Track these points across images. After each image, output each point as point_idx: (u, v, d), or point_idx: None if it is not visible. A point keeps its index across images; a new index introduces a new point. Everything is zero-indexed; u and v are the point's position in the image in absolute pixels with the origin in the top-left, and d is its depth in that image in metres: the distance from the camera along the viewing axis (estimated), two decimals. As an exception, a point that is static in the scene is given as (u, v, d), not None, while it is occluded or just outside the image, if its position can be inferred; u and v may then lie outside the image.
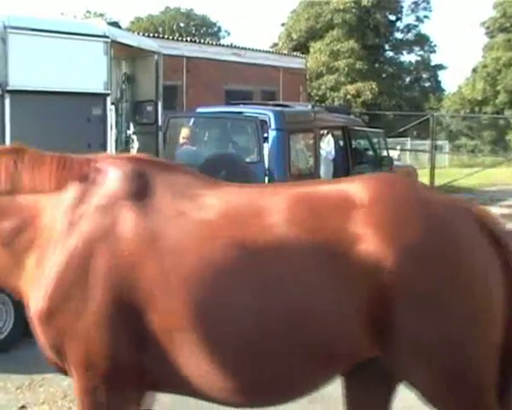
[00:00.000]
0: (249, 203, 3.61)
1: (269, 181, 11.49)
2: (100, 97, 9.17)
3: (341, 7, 54.14)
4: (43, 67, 8.66)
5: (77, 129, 8.97)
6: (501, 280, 3.51)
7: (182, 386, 3.63)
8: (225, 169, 10.60)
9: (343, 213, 3.43)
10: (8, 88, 8.33)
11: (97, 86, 9.12)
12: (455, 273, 3.41)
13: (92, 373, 3.52)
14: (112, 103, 9.60)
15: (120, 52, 10.20)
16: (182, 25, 66.10)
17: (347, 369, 3.64)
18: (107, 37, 9.26)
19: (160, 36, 30.63)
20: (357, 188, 3.56)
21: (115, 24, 11.21)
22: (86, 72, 9.05)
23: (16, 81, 8.37)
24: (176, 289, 3.39)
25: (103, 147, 9.17)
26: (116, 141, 9.96)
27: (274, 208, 3.50)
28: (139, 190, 3.60)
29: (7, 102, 8.34)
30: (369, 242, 3.35)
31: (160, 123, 10.75)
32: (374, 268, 3.32)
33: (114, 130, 9.72)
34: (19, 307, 8.19)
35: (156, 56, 10.87)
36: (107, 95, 9.24)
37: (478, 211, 3.68)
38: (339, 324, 3.40)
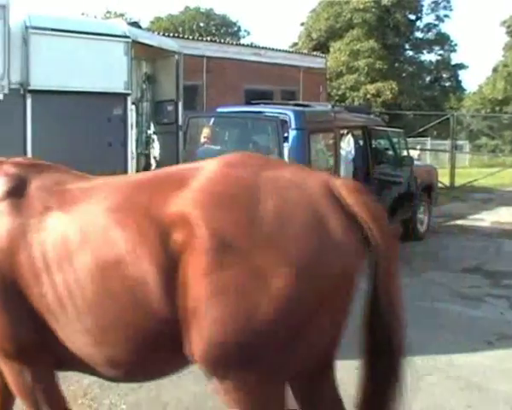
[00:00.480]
0: (100, 194, 3.89)
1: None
2: (120, 97, 9.18)
3: (361, 6, 54.15)
4: (64, 67, 8.69)
5: (98, 128, 9.00)
6: (350, 260, 3.46)
7: (79, 365, 3.96)
8: None
9: (170, 194, 3.57)
10: (30, 88, 8.37)
11: (118, 86, 9.14)
12: (263, 260, 3.33)
13: (11, 358, 3.94)
14: (132, 103, 9.61)
15: (141, 52, 10.22)
16: (202, 24, 66.25)
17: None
18: (128, 37, 9.28)
19: (180, 36, 30.68)
20: (202, 168, 3.69)
21: (135, 24, 11.22)
22: (107, 72, 9.07)
23: (37, 81, 8.41)
24: (42, 275, 3.76)
25: (124, 146, 9.20)
26: (137, 140, 9.99)
27: (115, 196, 3.81)
28: (16, 192, 4.02)
29: (28, 101, 8.38)
30: (182, 222, 3.43)
31: (180, 123, 10.76)
32: (183, 250, 3.41)
33: (135, 129, 9.74)
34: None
35: (177, 56, 10.87)
36: (128, 95, 9.25)
37: (338, 187, 3.55)
38: (156, 306, 3.51)
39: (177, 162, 10.63)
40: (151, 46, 10.34)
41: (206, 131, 12.79)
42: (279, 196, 3.44)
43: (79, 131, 8.83)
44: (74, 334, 3.75)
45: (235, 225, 3.38)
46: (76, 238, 3.73)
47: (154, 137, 11.15)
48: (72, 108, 8.74)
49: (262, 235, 3.36)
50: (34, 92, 8.41)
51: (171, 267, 3.44)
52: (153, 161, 11.10)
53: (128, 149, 9.27)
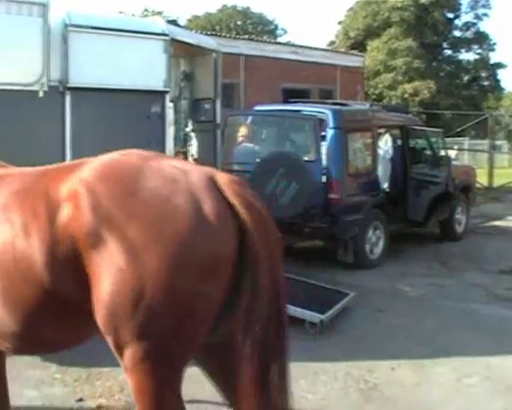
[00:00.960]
0: (11, 180, 4.13)
1: (327, 180, 11.48)
2: (159, 95, 9.20)
3: (399, 5, 53.80)
4: (102, 65, 8.73)
5: (136, 126, 9.03)
6: (224, 246, 3.59)
7: None
8: (283, 167, 10.62)
9: (64, 178, 3.82)
10: (69, 85, 8.41)
11: (156, 84, 9.15)
12: (146, 236, 3.49)
13: None
14: (171, 101, 9.63)
15: (179, 50, 10.23)
16: (238, 23, 66.27)
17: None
18: (167, 35, 9.28)
19: (218, 34, 30.71)
20: (98, 158, 3.93)
21: (174, 22, 11.24)
22: (146, 69, 9.10)
23: (76, 78, 8.45)
24: None
25: (162, 144, 9.21)
26: (175, 138, 10.00)
27: (21, 181, 4.04)
28: None
29: (67, 98, 8.43)
30: (69, 199, 3.67)
31: (218, 121, 10.76)
32: (69, 224, 3.61)
33: (173, 127, 9.76)
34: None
35: (215, 54, 10.87)
36: (167, 92, 9.27)
37: (219, 179, 3.72)
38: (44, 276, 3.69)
39: (215, 160, 10.67)
40: (189, 44, 10.35)
41: (243, 130, 12.85)
42: (160, 179, 3.63)
43: (118, 129, 8.87)
44: None
45: (112, 198, 3.57)
46: None
47: (192, 134, 11.16)
48: (110, 105, 8.79)
49: (137, 210, 3.54)
50: (73, 90, 8.45)
51: (57, 242, 3.64)
52: (190, 159, 11.12)
53: (166, 147, 9.27)
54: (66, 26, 8.38)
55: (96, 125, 8.72)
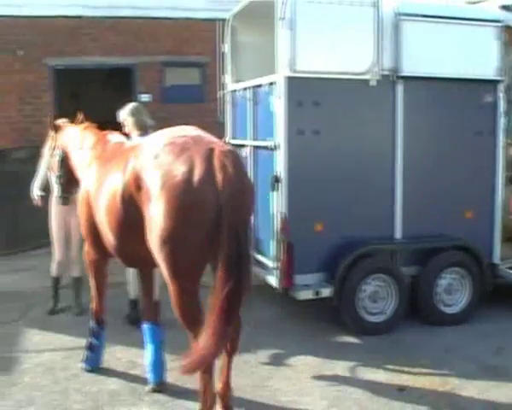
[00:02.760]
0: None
1: None
2: (491, 84, 8.95)
3: None
4: (433, 53, 8.66)
5: (467, 116, 8.90)
6: (209, 199, 4.97)
7: None
8: None
9: (133, 152, 5.77)
10: (400, 74, 8.45)
11: (489, 72, 8.90)
12: (163, 185, 5.11)
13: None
14: (505, 90, 9.30)
15: (510, 36, 9.85)
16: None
17: None
18: (500, 21, 9.00)
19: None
20: (156, 134, 5.84)
21: (506, 7, 10.85)
22: (477, 57, 8.87)
23: (408, 68, 8.47)
24: None
25: (493, 135, 9.02)
26: (506, 129, 9.67)
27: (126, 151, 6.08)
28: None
29: (399, 88, 8.48)
30: (133, 162, 5.58)
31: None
32: (128, 175, 5.58)
33: (504, 118, 9.42)
34: (402, 286, 8.40)
35: (549, 42, 10.36)
36: (499, 81, 9.00)
37: (219, 152, 5.08)
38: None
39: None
40: (523, 30, 9.93)
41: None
42: (175, 149, 5.21)
43: (447, 119, 8.81)
44: None
45: (145, 163, 5.37)
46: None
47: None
48: (441, 94, 8.72)
49: (155, 170, 5.22)
50: (404, 79, 8.48)
51: (125, 184, 5.59)
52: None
53: (497, 139, 9.06)
54: (397, 15, 8.43)
55: (426, 115, 8.72)
